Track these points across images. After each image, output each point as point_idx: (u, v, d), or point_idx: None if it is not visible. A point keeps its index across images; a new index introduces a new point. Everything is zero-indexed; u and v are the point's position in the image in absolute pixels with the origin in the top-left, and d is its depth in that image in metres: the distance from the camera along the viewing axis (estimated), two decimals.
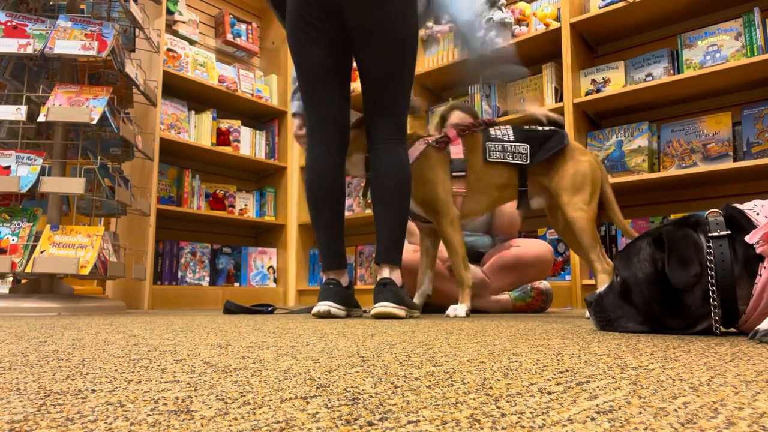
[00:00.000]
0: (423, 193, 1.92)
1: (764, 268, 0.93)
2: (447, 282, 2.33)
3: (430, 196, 1.92)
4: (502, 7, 3.04)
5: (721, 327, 0.98)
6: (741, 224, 0.98)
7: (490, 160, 1.92)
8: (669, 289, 1.00)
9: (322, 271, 1.87)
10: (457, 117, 2.50)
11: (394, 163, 1.80)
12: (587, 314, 1.65)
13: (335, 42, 1.83)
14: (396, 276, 1.77)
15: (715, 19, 2.65)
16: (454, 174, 1.93)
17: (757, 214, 0.98)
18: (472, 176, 1.94)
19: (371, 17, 1.75)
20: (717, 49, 2.49)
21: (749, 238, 0.93)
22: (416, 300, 2.04)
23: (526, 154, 1.92)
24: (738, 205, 1.03)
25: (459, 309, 1.83)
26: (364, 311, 2.03)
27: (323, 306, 1.74)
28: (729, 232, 0.97)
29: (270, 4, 2.00)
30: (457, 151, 1.95)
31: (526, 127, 1.98)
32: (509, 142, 1.94)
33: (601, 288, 1.19)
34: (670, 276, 0.97)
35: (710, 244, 0.97)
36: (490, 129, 1.98)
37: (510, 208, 2.45)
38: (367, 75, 1.85)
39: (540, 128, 1.96)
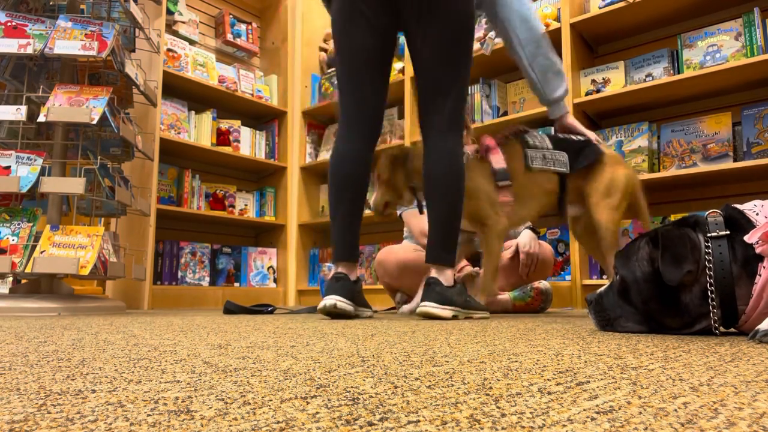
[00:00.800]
0: (468, 207, 1.85)
1: (764, 267, 0.93)
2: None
3: (475, 210, 1.88)
4: None
5: (720, 327, 0.98)
6: (741, 224, 0.98)
7: (532, 167, 1.92)
8: (666, 287, 1.00)
9: (332, 262, 1.78)
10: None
11: (444, 157, 1.72)
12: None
13: (385, 30, 1.77)
14: (445, 276, 1.68)
15: (715, 19, 2.65)
16: (499, 184, 1.92)
17: (757, 214, 0.98)
18: (515, 184, 1.93)
19: (421, 2, 1.70)
20: (717, 49, 2.49)
21: (748, 238, 0.93)
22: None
23: (566, 162, 1.95)
24: (738, 206, 1.03)
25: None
26: (375, 312, 1.99)
27: (330, 300, 1.65)
28: (728, 232, 0.97)
29: None
30: (498, 160, 1.93)
31: (561, 135, 2.01)
32: (548, 149, 1.96)
33: (602, 288, 1.19)
34: (663, 273, 0.97)
35: (709, 244, 0.97)
36: (527, 136, 1.99)
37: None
38: (420, 61, 1.77)
39: (574, 137, 1.99)
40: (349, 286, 1.69)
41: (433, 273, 1.69)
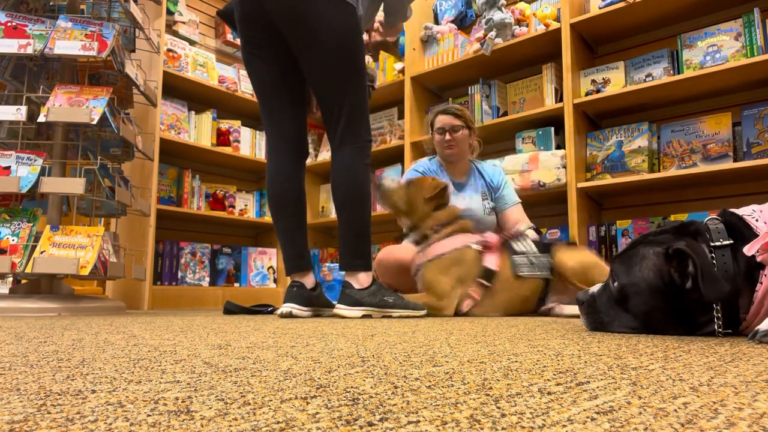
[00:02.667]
0: (432, 281, 1.99)
1: (765, 276, 0.92)
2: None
3: (438, 284, 1.99)
4: (502, 8, 3.05)
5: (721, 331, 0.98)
6: (741, 232, 0.97)
7: (519, 274, 2.02)
8: (674, 299, 1.00)
9: (286, 275, 1.95)
10: (441, 121, 2.50)
11: (343, 170, 1.84)
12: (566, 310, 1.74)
13: (281, 57, 1.89)
14: (357, 279, 1.82)
15: (715, 19, 2.65)
16: (479, 280, 2.01)
17: (756, 220, 0.98)
18: (497, 287, 2.02)
19: (300, 30, 1.79)
20: (717, 49, 2.49)
21: (747, 250, 0.91)
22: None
23: (551, 267, 2.03)
24: (736, 211, 1.02)
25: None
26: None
27: (286, 308, 1.83)
28: (731, 241, 0.96)
29: (222, 19, 2.04)
30: (491, 261, 2.04)
31: (543, 241, 2.13)
32: (534, 255, 2.06)
33: (594, 288, 1.17)
34: (706, 292, 0.93)
35: (713, 254, 0.97)
36: (512, 242, 2.10)
37: (517, 214, 2.45)
38: (311, 83, 1.90)
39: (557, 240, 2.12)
40: (304, 293, 1.87)
41: (347, 278, 1.85)
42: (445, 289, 1.98)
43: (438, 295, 1.98)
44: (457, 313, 2.01)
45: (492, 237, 2.12)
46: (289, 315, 1.82)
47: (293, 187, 1.93)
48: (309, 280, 1.91)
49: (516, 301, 2.02)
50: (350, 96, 1.85)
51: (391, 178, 2.22)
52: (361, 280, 1.82)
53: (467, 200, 2.45)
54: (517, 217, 2.46)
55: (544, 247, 2.11)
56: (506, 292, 2.01)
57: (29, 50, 2.12)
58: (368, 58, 2.33)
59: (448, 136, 2.45)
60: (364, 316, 1.78)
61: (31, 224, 2.14)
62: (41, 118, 2.10)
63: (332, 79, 1.83)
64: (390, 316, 1.80)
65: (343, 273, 1.90)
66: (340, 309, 1.80)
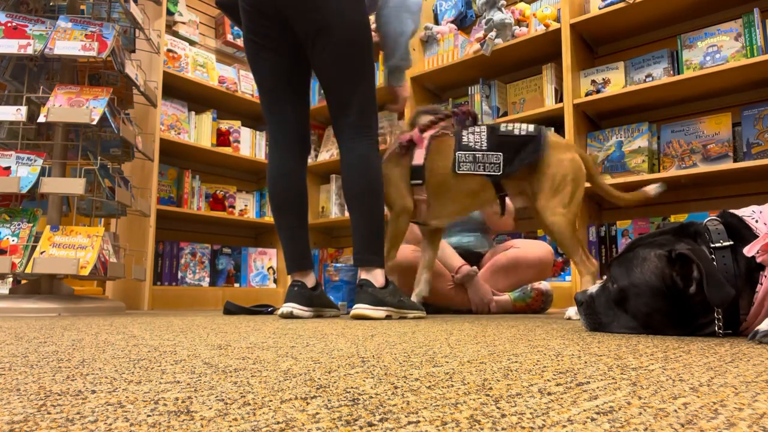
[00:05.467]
0: (385, 192, 1.89)
1: (765, 277, 0.92)
2: (445, 282, 2.33)
3: (387, 195, 1.91)
4: (502, 8, 3.05)
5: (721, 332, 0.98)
6: (741, 233, 0.97)
7: (458, 172, 1.87)
8: (675, 302, 1.00)
9: (287, 273, 1.91)
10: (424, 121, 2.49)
11: (355, 163, 1.79)
12: (567, 314, 1.63)
13: (287, 49, 1.84)
14: (375, 276, 1.73)
15: (714, 19, 2.65)
16: (412, 182, 1.91)
17: (756, 221, 0.98)
18: (434, 182, 1.89)
19: (312, 21, 1.75)
20: (717, 49, 2.49)
21: (747, 251, 0.91)
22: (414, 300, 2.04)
23: (499, 164, 1.83)
24: (736, 211, 1.02)
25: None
26: (341, 312, 2.04)
27: (286, 307, 1.78)
28: (731, 242, 0.96)
29: (221, 9, 2.00)
30: (419, 156, 1.91)
31: (503, 129, 1.88)
32: (481, 151, 1.86)
33: (593, 288, 1.17)
34: (711, 297, 0.93)
35: (713, 255, 0.97)
36: (463, 133, 1.91)
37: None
38: (320, 77, 1.85)
39: (517, 131, 1.87)
40: (305, 293, 1.82)
41: (363, 275, 1.74)
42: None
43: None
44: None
45: (416, 131, 1.97)
46: (290, 315, 1.78)
47: (295, 184, 1.88)
48: (310, 280, 1.87)
49: (464, 196, 1.89)
50: (362, 88, 1.81)
51: None
52: (378, 278, 1.73)
53: None
54: (508, 210, 2.39)
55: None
56: (451, 187, 1.88)
57: (29, 50, 2.12)
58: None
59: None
60: (387, 317, 1.69)
61: (31, 224, 2.14)
62: (41, 119, 2.10)
63: (345, 72, 1.79)
64: (406, 317, 1.74)
65: (349, 273, 1.88)
66: (363, 309, 1.67)
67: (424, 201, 1.93)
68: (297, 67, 1.88)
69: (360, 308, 1.67)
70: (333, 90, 1.83)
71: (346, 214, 3.76)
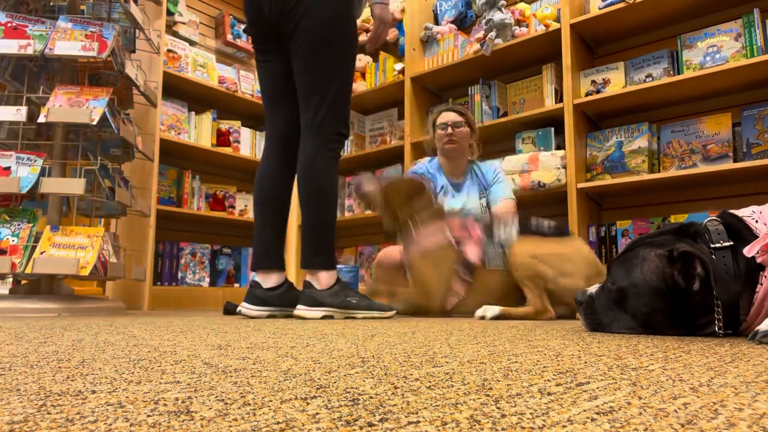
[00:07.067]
0: (424, 278, 1.96)
1: (765, 277, 0.92)
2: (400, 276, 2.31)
3: (428, 284, 1.96)
4: (502, 8, 3.05)
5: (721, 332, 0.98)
6: (741, 234, 0.97)
7: (488, 268, 1.94)
8: (675, 301, 1.00)
9: (251, 269, 1.99)
10: (444, 117, 2.51)
11: (302, 165, 1.84)
12: (477, 314, 1.71)
13: (281, 61, 1.93)
14: (318, 278, 1.78)
15: (714, 20, 2.65)
16: (462, 275, 1.95)
17: (756, 221, 0.98)
18: (477, 281, 1.95)
19: (290, 26, 1.83)
20: (717, 50, 2.49)
21: (747, 251, 0.91)
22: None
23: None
24: (735, 212, 1.02)
25: None
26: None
27: (240, 307, 1.88)
28: (732, 243, 0.96)
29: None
30: (473, 253, 1.97)
31: (534, 223, 1.98)
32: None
33: (592, 288, 1.17)
34: (719, 293, 0.93)
35: (713, 255, 0.97)
36: (495, 230, 2.00)
37: (505, 207, 2.43)
38: (295, 79, 1.90)
39: (547, 227, 1.96)
40: (260, 294, 1.86)
41: (308, 277, 1.81)
42: (432, 287, 1.94)
43: (425, 293, 1.95)
44: (444, 312, 1.97)
45: (473, 227, 2.03)
46: (239, 314, 1.88)
47: (274, 185, 1.94)
48: (271, 279, 1.88)
49: (499, 296, 1.92)
50: (323, 88, 1.84)
51: (368, 175, 2.17)
52: (322, 279, 1.78)
53: (464, 200, 2.46)
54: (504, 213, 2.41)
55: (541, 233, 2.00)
56: (486, 285, 1.94)
57: (29, 51, 2.12)
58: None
59: (449, 131, 2.46)
60: (324, 317, 1.74)
61: (31, 225, 2.14)
62: (41, 119, 2.10)
63: (307, 71, 1.85)
64: (353, 317, 1.76)
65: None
66: (300, 310, 1.76)
67: (457, 297, 1.97)
68: (291, 77, 1.95)
69: (299, 309, 1.77)
70: (298, 88, 1.89)
71: (347, 214, 3.77)
